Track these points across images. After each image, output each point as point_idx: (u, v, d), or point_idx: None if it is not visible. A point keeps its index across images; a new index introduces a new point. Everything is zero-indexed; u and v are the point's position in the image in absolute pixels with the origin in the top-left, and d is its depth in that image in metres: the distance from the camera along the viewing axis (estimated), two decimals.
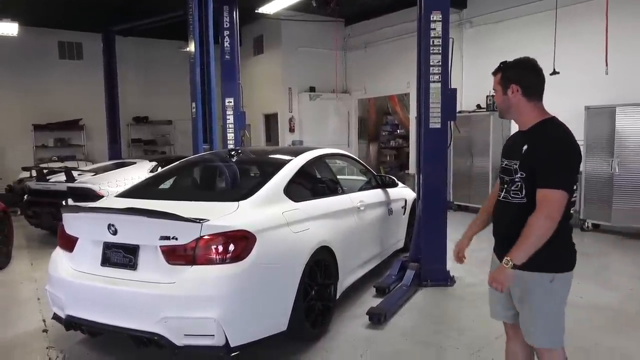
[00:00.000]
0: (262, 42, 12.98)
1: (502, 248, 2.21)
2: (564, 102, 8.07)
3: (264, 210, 3.33)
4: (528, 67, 2.20)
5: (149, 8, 10.06)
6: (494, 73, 2.25)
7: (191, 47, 6.48)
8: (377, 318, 3.92)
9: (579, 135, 7.27)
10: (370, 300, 4.46)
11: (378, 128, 13.88)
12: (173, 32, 10.98)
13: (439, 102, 4.79)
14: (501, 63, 2.24)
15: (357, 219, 4.39)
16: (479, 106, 9.20)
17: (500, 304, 2.37)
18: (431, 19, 4.77)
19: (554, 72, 6.95)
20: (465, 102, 9.49)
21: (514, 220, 2.14)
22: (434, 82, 4.79)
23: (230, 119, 7.77)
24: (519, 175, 2.13)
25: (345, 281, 4.12)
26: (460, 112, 8.62)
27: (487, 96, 8.74)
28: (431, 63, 4.78)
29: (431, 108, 4.78)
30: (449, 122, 4.89)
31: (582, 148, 7.14)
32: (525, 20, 8.73)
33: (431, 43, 4.78)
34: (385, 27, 11.36)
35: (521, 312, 2.23)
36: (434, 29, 4.79)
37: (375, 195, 5.01)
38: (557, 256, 2.12)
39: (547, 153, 2.03)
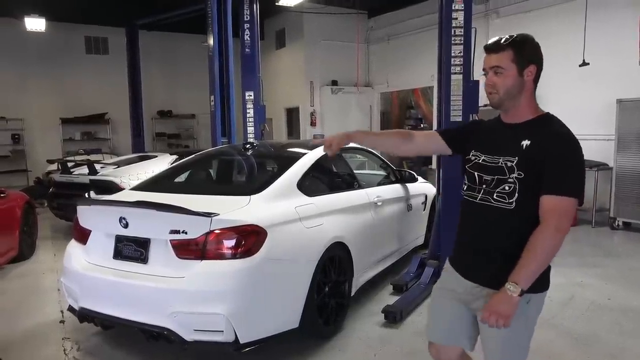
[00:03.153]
0: (284, 35, 12.93)
1: (478, 265, 1.87)
2: (593, 94, 7.82)
3: (276, 204, 3.27)
4: (539, 48, 1.83)
5: (172, 2, 10.11)
6: (497, 48, 1.78)
7: (210, 41, 6.46)
8: (393, 316, 3.83)
9: (609, 129, 7.11)
10: (386, 297, 4.36)
11: (401, 122, 13.66)
12: (196, 26, 10.97)
13: (460, 95, 4.62)
14: (508, 37, 1.79)
15: (374, 214, 4.29)
16: None
17: (460, 326, 1.97)
18: (453, 8, 4.59)
19: (584, 63, 6.68)
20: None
21: (495, 229, 1.81)
22: (455, 73, 4.62)
23: (251, 112, 7.72)
24: (514, 175, 1.75)
25: (360, 278, 4.04)
26: (485, 105, 8.38)
27: None
28: (452, 54, 4.61)
29: (452, 101, 4.62)
30: (470, 115, 4.72)
31: (612, 143, 7.07)
32: (555, 10, 8.41)
33: (453, 33, 4.61)
34: (409, 18, 11.15)
35: (488, 337, 1.87)
36: (456, 18, 4.61)
37: (393, 190, 4.89)
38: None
39: (561, 153, 1.70)
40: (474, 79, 4.71)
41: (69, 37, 12.44)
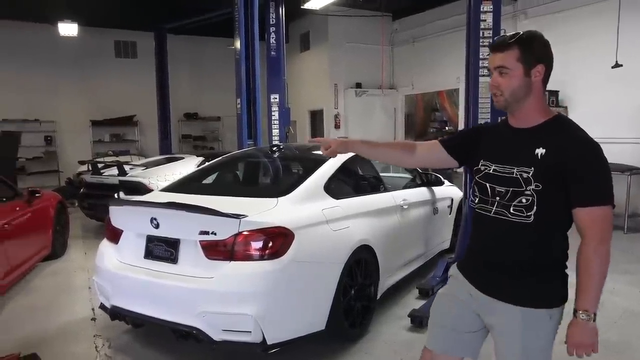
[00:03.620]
0: (309, 38, 12.99)
1: (496, 280, 1.75)
2: (625, 97, 7.60)
3: (303, 207, 3.29)
4: (549, 46, 1.70)
5: (199, 6, 10.27)
6: (502, 46, 1.66)
7: (236, 44, 6.53)
8: (419, 321, 3.80)
9: None
10: (412, 301, 4.33)
11: (426, 125, 13.56)
12: (222, 30, 11.14)
13: (488, 97, 4.56)
14: (514, 34, 1.67)
15: (400, 217, 4.27)
16: None
17: (466, 337, 1.86)
18: (481, 9, 4.55)
19: (617, 65, 6.50)
20: None
21: (513, 243, 1.70)
22: (483, 75, 4.57)
23: (276, 115, 7.80)
24: (532, 187, 1.62)
25: (386, 281, 4.02)
26: None
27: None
28: (481, 56, 4.56)
29: (480, 103, 4.57)
30: (499, 118, 4.65)
31: None
32: (587, 11, 8.21)
33: (481, 35, 4.57)
34: (435, 20, 11.06)
35: (505, 354, 1.76)
36: (484, 20, 4.57)
37: (419, 193, 4.86)
38: (560, 285, 1.72)
39: (586, 160, 1.58)
40: None
41: (99, 42, 12.76)
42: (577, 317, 1.62)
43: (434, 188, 5.15)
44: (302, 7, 8.70)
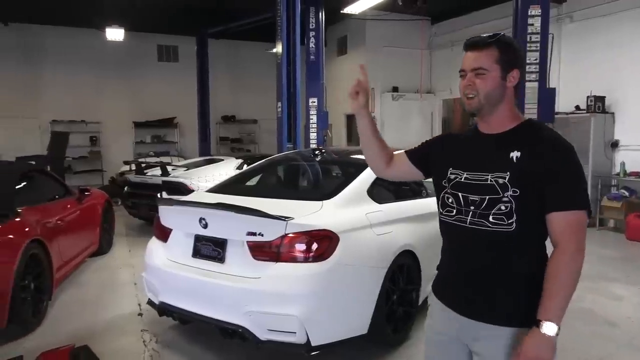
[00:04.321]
0: (346, 42, 13.03)
1: (476, 299, 1.59)
2: None
3: (347, 210, 3.31)
4: (524, 53, 1.64)
5: (240, 11, 10.49)
6: (481, 45, 1.58)
7: (278, 49, 6.65)
8: None
9: None
10: None
11: (464, 129, 13.35)
12: (261, 34, 11.37)
13: (535, 103, 4.50)
14: (493, 35, 1.59)
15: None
16: (577, 107, 8.52)
17: None
18: (529, 13, 4.49)
19: None
20: (562, 102, 8.83)
21: (494, 256, 1.56)
22: (530, 81, 4.50)
23: (314, 118, 7.89)
24: (509, 192, 1.51)
25: (428, 287, 3.97)
26: (556, 113, 8.04)
27: (588, 97, 8.06)
28: (527, 61, 4.50)
29: (526, 109, 4.51)
30: (545, 124, 4.57)
31: None
32: (636, 14, 7.93)
33: (528, 39, 4.51)
34: (474, 24, 10.88)
35: None
36: (532, 24, 4.51)
37: None
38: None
39: (560, 162, 1.50)
40: (550, 86, 4.57)
41: (143, 46, 13.18)
42: (540, 327, 1.45)
43: None
44: (341, 12, 8.76)
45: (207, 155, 10.59)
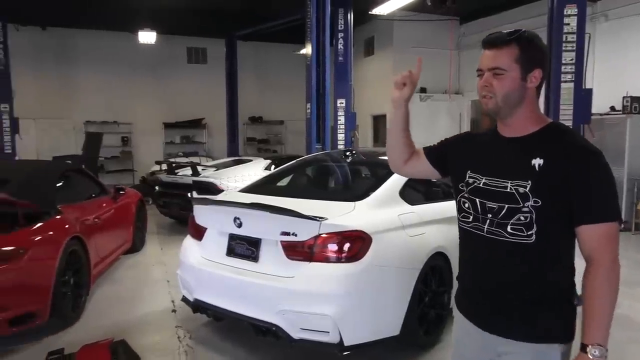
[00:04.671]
0: (373, 43, 13.01)
1: (496, 313, 1.52)
2: None
3: (380, 211, 3.32)
4: (547, 50, 1.55)
5: (268, 14, 10.60)
6: (499, 43, 1.46)
7: (308, 50, 6.69)
8: None
9: None
10: None
11: (483, 130, 13.16)
12: (288, 36, 11.47)
13: (570, 104, 4.41)
14: (513, 32, 1.46)
15: None
16: (612, 108, 8.30)
17: None
18: (565, 13, 4.40)
19: None
20: (596, 103, 8.59)
21: (513, 268, 1.48)
22: (565, 81, 4.42)
23: (342, 119, 7.90)
24: (530, 203, 1.41)
25: None
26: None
27: (624, 97, 7.84)
28: (563, 61, 4.43)
29: (561, 110, 4.43)
30: (581, 125, 4.47)
31: None
32: None
33: (564, 39, 4.43)
34: (503, 24, 10.70)
35: None
36: (568, 24, 4.42)
37: None
38: (572, 316, 1.48)
39: (590, 170, 1.38)
40: (586, 87, 4.48)
41: (173, 48, 13.46)
42: (588, 353, 1.35)
43: None
44: (370, 12, 8.75)
45: (236, 156, 10.73)
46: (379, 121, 13.07)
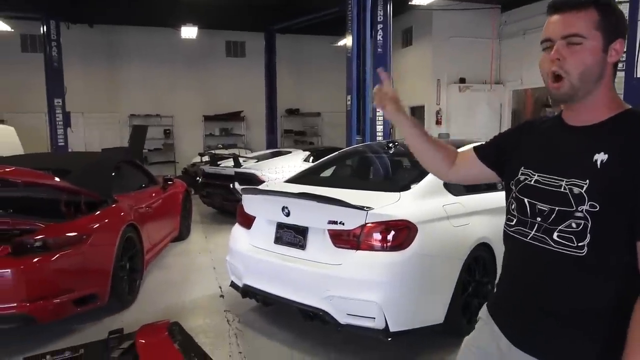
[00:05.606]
0: (411, 33, 12.88)
1: (534, 331, 1.28)
2: None
3: (424, 202, 3.36)
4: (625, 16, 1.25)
5: (306, 7, 10.68)
6: (574, 5, 1.20)
7: (348, 42, 6.73)
8: None
9: None
10: None
11: (545, 118, 12.82)
12: (326, 29, 11.53)
13: (620, 94, 4.28)
14: None
15: None
16: None
17: None
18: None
19: None
20: None
21: (557, 283, 1.23)
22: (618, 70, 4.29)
23: (380, 111, 7.91)
24: (584, 207, 1.17)
25: None
26: None
27: None
28: None
29: None
30: None
31: None
32: None
33: None
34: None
35: None
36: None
37: None
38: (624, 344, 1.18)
39: None
40: (638, 76, 4.34)
41: (213, 42, 13.73)
42: None
43: None
44: (409, 3, 8.69)
45: (275, 148, 10.91)
46: (417, 112, 12.96)
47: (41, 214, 3.67)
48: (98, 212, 4.01)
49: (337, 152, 4.89)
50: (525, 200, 1.31)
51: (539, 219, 1.26)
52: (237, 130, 14.41)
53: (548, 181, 1.27)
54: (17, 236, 3.38)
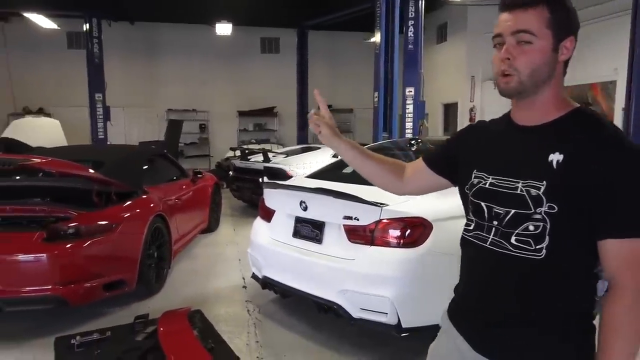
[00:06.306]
0: (446, 29, 12.70)
1: (495, 337, 1.27)
2: None
3: (440, 199, 3.31)
4: (577, 14, 1.23)
5: (339, 3, 10.71)
6: (526, 3, 1.18)
7: (376, 38, 6.72)
8: None
9: None
10: None
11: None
12: (358, 24, 11.51)
13: None
14: None
15: None
16: None
17: None
18: None
19: None
20: None
21: (517, 289, 1.22)
22: None
23: (410, 108, 7.86)
24: (543, 209, 1.15)
25: None
26: None
27: None
28: None
29: None
30: None
31: None
32: None
33: None
34: (588, 6, 10.03)
35: None
36: None
37: None
38: (588, 348, 1.20)
39: (623, 170, 1.10)
40: None
41: (248, 39, 13.96)
42: None
43: None
44: None
45: (305, 144, 11.02)
46: (450, 110, 12.78)
47: (75, 202, 3.88)
48: (128, 203, 4.20)
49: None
50: (482, 204, 1.28)
51: (495, 222, 1.24)
52: (271, 125, 14.62)
53: (503, 183, 1.24)
54: (52, 223, 3.59)
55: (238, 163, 8.62)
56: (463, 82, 11.85)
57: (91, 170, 4.05)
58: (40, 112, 12.68)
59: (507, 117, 1.34)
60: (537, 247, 1.16)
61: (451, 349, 1.39)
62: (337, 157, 7.25)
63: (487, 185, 1.27)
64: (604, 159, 1.11)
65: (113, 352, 3.16)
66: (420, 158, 1.59)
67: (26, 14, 10.67)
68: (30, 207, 3.77)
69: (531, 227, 1.17)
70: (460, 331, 1.38)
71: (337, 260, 3.19)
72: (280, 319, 3.89)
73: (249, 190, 7.95)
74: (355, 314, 3.10)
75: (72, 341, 3.27)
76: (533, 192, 1.16)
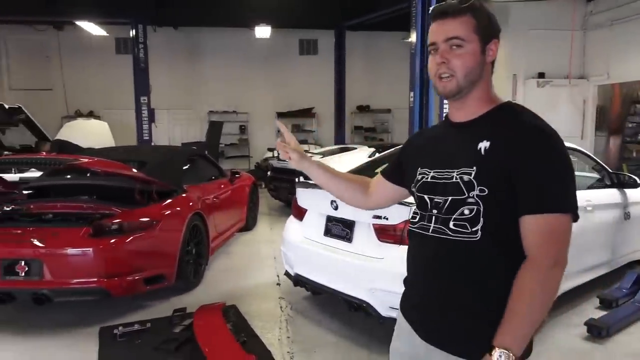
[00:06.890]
0: None
1: (436, 321, 1.33)
2: None
3: None
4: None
5: (377, 3, 10.68)
6: (455, 11, 1.29)
7: (412, 37, 6.68)
8: (598, 331, 3.53)
9: None
10: (591, 311, 4.01)
11: (622, 119, 11.83)
12: (396, 24, 11.41)
13: None
14: (464, 0, 1.30)
15: (582, 220, 3.93)
16: None
17: None
18: None
19: None
20: None
21: (456, 271, 1.29)
22: None
23: (446, 108, 7.76)
24: (475, 192, 1.24)
25: (564, 285, 3.79)
26: None
27: None
28: None
29: None
30: None
31: None
32: None
33: None
34: (629, 2, 9.58)
35: None
36: None
37: (607, 195, 4.41)
38: None
39: (539, 153, 1.21)
40: None
41: (286, 41, 14.14)
42: (492, 356, 1.17)
43: (626, 190, 4.61)
44: None
45: (342, 144, 11.06)
46: None
47: (119, 200, 4.10)
48: (168, 201, 4.39)
49: (392, 149, 4.93)
50: (425, 196, 1.38)
51: (435, 211, 1.33)
52: (309, 126, 14.74)
53: (442, 175, 1.34)
54: (98, 219, 3.81)
55: (275, 163, 8.77)
56: (504, 80, 11.53)
57: (134, 170, 4.26)
58: (91, 114, 13.33)
59: (445, 118, 1.47)
60: (473, 229, 1.25)
61: (406, 342, 1.44)
62: (372, 157, 7.25)
63: (429, 179, 1.38)
64: (521, 142, 1.23)
65: (152, 342, 3.32)
66: (379, 172, 1.70)
67: (78, 22, 11.27)
68: (78, 204, 4.02)
69: (466, 211, 1.26)
70: (407, 319, 1.45)
71: (367, 259, 3.23)
72: (312, 315, 3.96)
73: (285, 190, 8.08)
74: (385, 312, 3.12)
75: (115, 331, 3.47)
76: (466, 177, 1.27)
